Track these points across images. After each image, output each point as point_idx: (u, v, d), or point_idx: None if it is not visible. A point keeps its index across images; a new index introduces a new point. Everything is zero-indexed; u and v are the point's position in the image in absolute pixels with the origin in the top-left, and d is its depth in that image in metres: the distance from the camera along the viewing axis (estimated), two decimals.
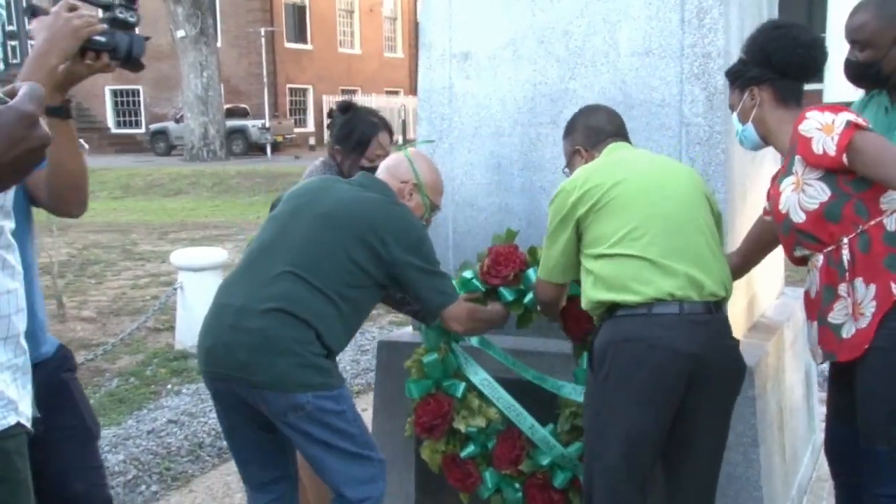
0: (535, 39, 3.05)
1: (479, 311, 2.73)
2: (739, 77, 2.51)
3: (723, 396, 2.42)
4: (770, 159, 3.32)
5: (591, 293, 2.41)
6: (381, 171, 2.75)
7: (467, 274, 2.86)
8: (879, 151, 2.28)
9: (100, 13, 2.04)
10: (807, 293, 2.50)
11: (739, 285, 2.75)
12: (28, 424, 1.54)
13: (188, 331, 6.26)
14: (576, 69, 3.00)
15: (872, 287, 2.31)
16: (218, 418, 2.70)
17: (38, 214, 2.29)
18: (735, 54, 2.80)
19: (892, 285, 2.30)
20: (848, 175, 2.31)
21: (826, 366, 2.60)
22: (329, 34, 35.37)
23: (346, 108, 3.26)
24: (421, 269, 2.53)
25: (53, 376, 2.30)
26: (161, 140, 30.05)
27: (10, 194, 1.55)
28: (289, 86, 33.57)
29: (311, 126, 34.08)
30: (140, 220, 14.67)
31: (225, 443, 4.43)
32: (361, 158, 3.14)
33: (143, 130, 32.37)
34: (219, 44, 27.83)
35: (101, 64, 1.99)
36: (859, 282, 2.32)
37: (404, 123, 28.92)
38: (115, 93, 32.76)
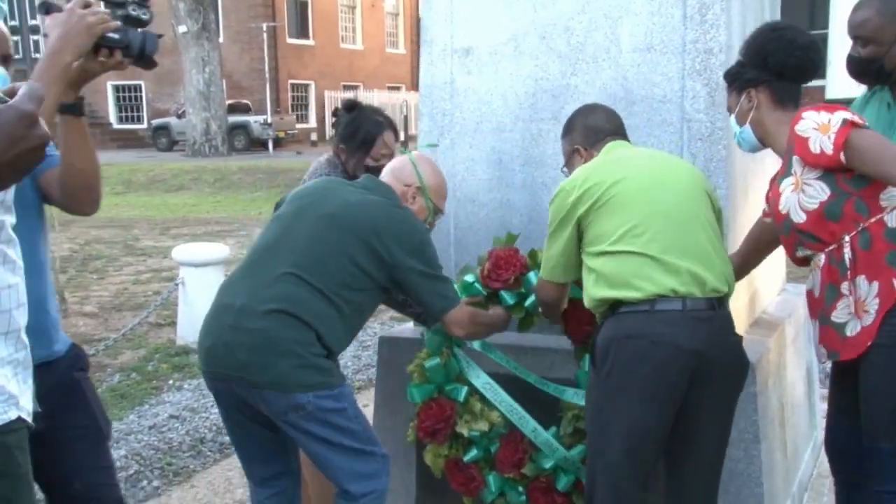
0: (537, 35, 3.04)
1: (480, 315, 2.73)
2: (737, 79, 2.51)
3: (726, 393, 2.42)
4: (771, 156, 3.30)
5: (594, 291, 2.41)
6: (385, 174, 2.74)
7: (469, 278, 2.86)
8: (876, 148, 2.28)
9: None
10: (810, 292, 2.50)
11: (741, 282, 2.74)
12: (29, 419, 1.54)
13: (190, 326, 6.26)
14: (577, 65, 3.00)
15: (875, 284, 2.31)
16: (220, 415, 2.71)
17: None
18: (737, 50, 2.79)
19: (895, 282, 2.29)
20: (846, 173, 2.31)
21: (828, 363, 2.60)
22: (331, 30, 35.35)
23: (352, 107, 3.25)
24: (423, 273, 2.53)
25: (66, 375, 2.31)
26: (163, 135, 30.06)
27: (11, 190, 1.55)
28: (291, 81, 33.56)
29: (312, 122, 34.07)
30: (142, 216, 14.68)
31: (226, 438, 4.45)
32: (366, 157, 3.14)
33: (144, 126, 32.38)
34: (221, 39, 27.81)
35: (114, 61, 1.99)
36: (862, 279, 2.32)
37: (406, 119, 28.89)
38: (116, 88, 32.76)
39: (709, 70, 2.83)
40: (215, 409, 2.74)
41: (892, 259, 2.30)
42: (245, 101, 30.53)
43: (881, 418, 2.35)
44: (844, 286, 2.35)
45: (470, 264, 2.99)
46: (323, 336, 2.43)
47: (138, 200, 17.14)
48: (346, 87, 34.86)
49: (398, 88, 36.34)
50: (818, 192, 2.34)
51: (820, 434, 3.66)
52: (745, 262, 2.71)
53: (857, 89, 3.06)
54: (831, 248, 2.36)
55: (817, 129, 2.32)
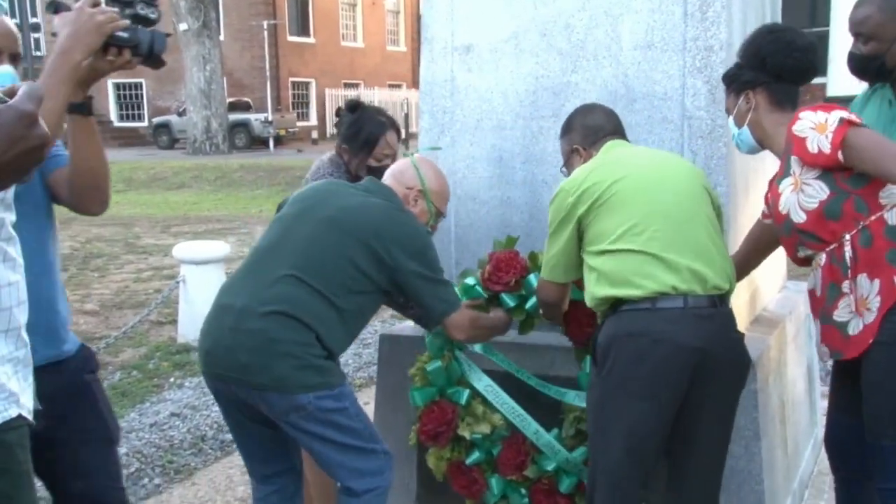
0: (538, 32, 3.04)
1: (481, 318, 2.73)
2: (735, 81, 2.52)
3: (728, 390, 2.42)
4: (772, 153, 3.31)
5: (595, 290, 2.41)
6: (387, 177, 2.74)
7: (469, 281, 2.86)
8: (874, 146, 2.28)
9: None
10: (811, 292, 2.50)
11: (741, 279, 2.74)
12: (30, 417, 1.54)
13: (191, 324, 6.27)
14: (578, 62, 3.00)
15: (877, 282, 2.31)
16: (221, 414, 2.71)
17: None
18: (737, 47, 2.79)
19: None
20: (845, 172, 2.32)
21: (830, 361, 2.60)
22: (332, 27, 35.32)
23: (354, 107, 3.25)
24: (424, 276, 2.53)
25: (76, 377, 2.31)
26: (164, 133, 30.05)
27: (11, 188, 1.55)
28: (291, 79, 33.54)
29: (313, 120, 34.06)
30: (143, 214, 14.68)
31: (227, 436, 4.46)
32: (369, 158, 3.15)
33: (145, 124, 32.37)
34: (221, 37, 27.80)
35: (123, 60, 1.99)
36: (863, 277, 2.32)
37: (407, 117, 28.86)
38: (117, 86, 32.76)
39: (709, 67, 2.83)
40: (216, 407, 2.75)
41: (893, 257, 2.30)
42: (246, 98, 30.52)
43: (883, 415, 2.35)
44: (846, 285, 2.35)
45: (470, 268, 2.99)
46: (323, 337, 2.43)
47: (139, 198, 17.14)
48: (347, 85, 34.85)
49: (399, 86, 36.32)
50: (817, 192, 2.34)
51: (820, 431, 3.66)
52: (745, 262, 2.71)
53: (858, 86, 3.06)
54: (832, 247, 2.36)
55: (814, 128, 2.32)
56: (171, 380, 5.65)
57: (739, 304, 2.89)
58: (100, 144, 2.16)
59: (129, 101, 33.34)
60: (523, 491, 2.85)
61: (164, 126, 30.13)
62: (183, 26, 24.36)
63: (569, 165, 2.68)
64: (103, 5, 1.93)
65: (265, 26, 31.00)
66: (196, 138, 25.75)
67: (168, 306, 7.00)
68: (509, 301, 2.80)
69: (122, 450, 4.34)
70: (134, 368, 5.89)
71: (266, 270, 2.49)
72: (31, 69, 15.78)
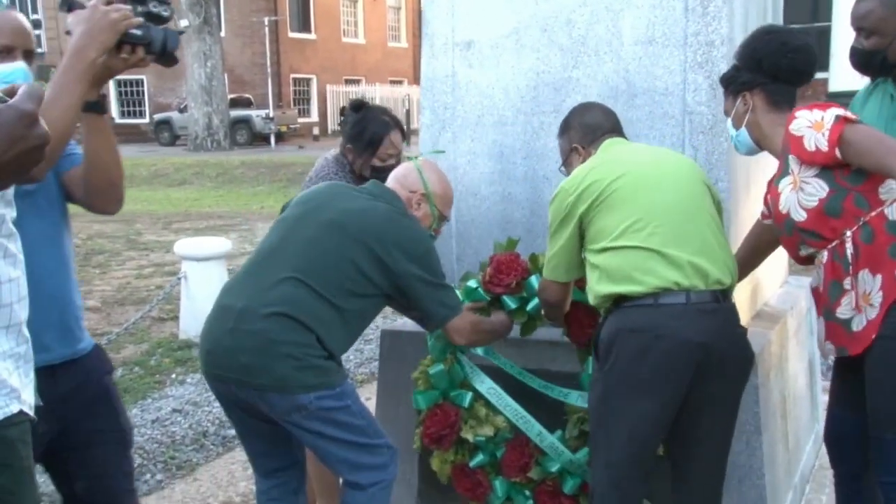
0: (538, 28, 3.04)
1: (482, 323, 2.73)
2: (732, 83, 2.52)
3: (731, 385, 2.43)
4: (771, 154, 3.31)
5: (597, 287, 2.41)
6: (391, 180, 2.74)
7: (472, 283, 2.86)
8: (871, 142, 2.28)
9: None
10: (815, 290, 2.50)
11: (741, 280, 2.74)
12: (31, 412, 1.55)
13: (192, 320, 6.28)
14: (579, 58, 2.99)
15: (879, 277, 2.31)
16: (224, 412, 2.72)
17: None
18: (739, 42, 2.79)
19: None
20: (844, 169, 2.32)
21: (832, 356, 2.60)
22: (333, 23, 35.30)
23: (359, 107, 3.26)
24: (425, 280, 2.53)
25: (94, 378, 2.31)
26: (165, 130, 30.06)
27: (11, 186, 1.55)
28: (293, 75, 33.53)
29: (314, 116, 34.06)
30: (144, 210, 14.69)
31: (229, 432, 4.47)
32: (373, 158, 3.15)
33: (147, 120, 32.39)
34: (222, 33, 27.80)
35: (136, 58, 1.99)
36: (865, 273, 2.32)
37: (408, 113, 28.85)
38: (118, 83, 32.75)
39: (710, 63, 2.83)
40: (217, 403, 2.77)
41: (895, 251, 2.30)
42: (247, 95, 30.52)
43: (886, 409, 2.35)
44: (847, 281, 2.35)
45: (471, 271, 2.99)
46: (323, 339, 2.43)
47: (141, 195, 17.14)
48: (348, 82, 34.84)
49: (400, 82, 36.32)
50: (817, 190, 2.34)
51: (821, 426, 3.67)
52: (745, 263, 2.70)
53: (860, 81, 3.06)
54: (834, 244, 2.36)
55: (811, 126, 2.33)
56: (173, 376, 5.66)
57: (741, 299, 2.89)
58: (114, 143, 2.16)
59: (131, 97, 33.35)
60: (527, 493, 2.85)
61: (166, 123, 30.15)
62: (184, 23, 24.32)
63: (568, 164, 2.68)
64: (117, 3, 1.93)
65: (266, 22, 30.97)
66: (197, 135, 25.76)
67: (169, 302, 7.00)
68: (510, 303, 2.80)
69: None
70: (136, 365, 5.90)
71: (267, 272, 2.49)
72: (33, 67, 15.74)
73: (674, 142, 2.87)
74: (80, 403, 2.23)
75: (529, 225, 3.09)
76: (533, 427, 2.82)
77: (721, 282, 2.36)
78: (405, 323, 3.37)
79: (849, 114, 2.33)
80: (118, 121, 33.01)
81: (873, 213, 2.31)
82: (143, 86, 33.00)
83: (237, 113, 28.04)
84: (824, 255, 2.39)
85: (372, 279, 2.49)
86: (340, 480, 2.67)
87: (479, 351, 2.94)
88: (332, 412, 2.44)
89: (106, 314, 7.39)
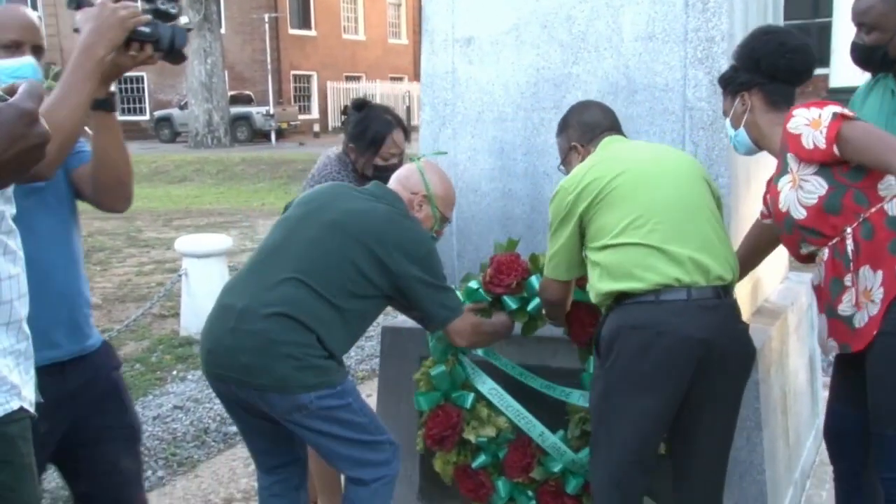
0: (538, 24, 3.03)
1: (483, 324, 2.73)
2: (731, 83, 2.53)
3: (733, 381, 2.43)
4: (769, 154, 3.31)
5: (598, 285, 2.41)
6: (393, 182, 2.74)
7: (473, 284, 2.86)
8: (869, 138, 2.29)
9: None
10: (816, 287, 2.51)
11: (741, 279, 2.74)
12: (31, 409, 1.55)
13: (193, 317, 6.28)
14: (579, 54, 2.99)
15: (880, 273, 2.31)
16: (225, 410, 2.72)
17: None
18: (739, 38, 2.78)
19: None
20: (843, 167, 2.32)
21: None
22: (333, 20, 35.27)
23: (361, 106, 3.26)
24: (426, 282, 2.54)
25: (102, 373, 2.30)
26: (165, 127, 30.06)
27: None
28: (293, 72, 33.51)
29: (315, 113, 34.05)
30: (145, 207, 14.68)
31: (230, 428, 4.48)
32: (375, 157, 3.16)
33: (147, 117, 32.38)
34: (223, 30, 27.78)
35: (145, 55, 1.99)
36: (866, 269, 2.32)
37: (409, 110, 28.86)
38: (119, 80, 32.46)
39: (711, 58, 2.82)
40: (219, 400, 2.78)
41: (895, 247, 2.30)
42: (247, 92, 30.51)
43: (887, 405, 2.35)
44: (847, 278, 2.35)
45: (471, 272, 2.99)
46: (324, 339, 2.44)
47: (141, 192, 17.09)
48: (349, 78, 34.83)
49: (401, 79, 36.30)
50: (816, 188, 2.35)
51: (822, 422, 3.67)
52: (745, 262, 2.70)
53: (860, 77, 3.06)
54: (834, 241, 2.36)
55: (808, 124, 2.33)
56: (174, 373, 5.66)
57: (741, 295, 2.89)
58: (122, 141, 2.16)
59: (131, 94, 33.32)
60: (530, 493, 2.85)
61: (166, 119, 30.14)
62: (184, 19, 24.27)
63: (567, 163, 2.68)
64: (125, 0, 1.92)
65: (266, 19, 30.95)
66: (198, 132, 25.77)
67: (170, 299, 7.01)
68: (511, 303, 2.80)
69: None
70: (137, 362, 5.90)
71: (269, 272, 2.49)
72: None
73: (674, 138, 2.87)
74: (89, 400, 2.24)
75: (530, 221, 3.09)
76: (535, 427, 2.82)
77: (722, 278, 2.36)
78: (406, 320, 3.36)
79: (846, 111, 2.34)
80: (118, 117, 32.92)
81: (873, 210, 2.31)
82: (143, 83, 32.98)
83: (237, 110, 28.04)
84: (825, 253, 2.39)
85: (372, 280, 2.50)
86: (342, 477, 2.68)
87: (480, 352, 2.94)
88: (333, 410, 2.44)
89: (107, 311, 7.39)
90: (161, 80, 32.22)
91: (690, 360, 2.30)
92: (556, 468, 2.80)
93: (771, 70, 2.44)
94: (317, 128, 31.96)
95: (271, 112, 28.67)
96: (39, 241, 2.08)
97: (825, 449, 2.80)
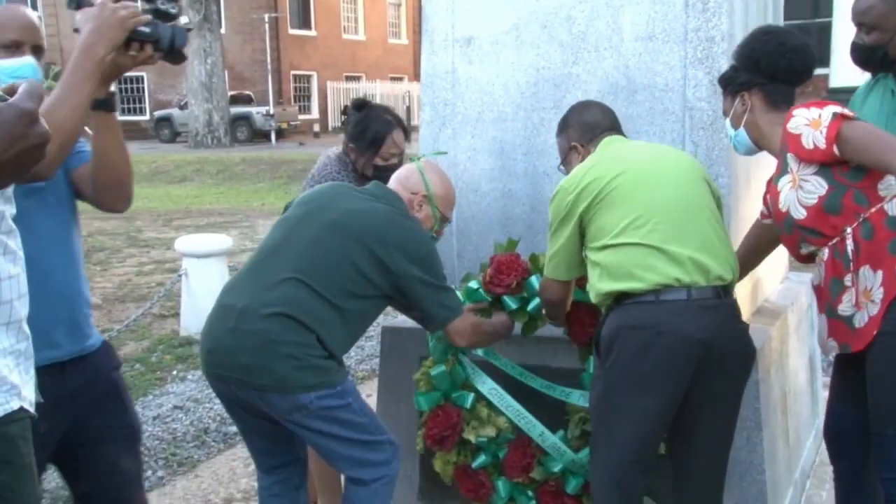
0: (538, 24, 3.03)
1: (483, 324, 2.73)
2: (731, 83, 2.53)
3: (733, 381, 2.43)
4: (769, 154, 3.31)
5: (598, 285, 2.41)
6: (393, 182, 2.75)
7: (473, 284, 2.87)
8: (869, 138, 2.29)
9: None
10: (816, 287, 2.51)
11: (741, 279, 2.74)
12: (31, 409, 1.55)
13: (193, 317, 6.28)
14: (579, 54, 2.99)
15: (880, 273, 2.31)
16: (225, 410, 2.72)
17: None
18: (739, 38, 2.78)
19: None
20: (843, 166, 2.33)
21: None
22: (333, 20, 35.27)
23: (361, 106, 3.26)
24: (426, 282, 2.54)
25: (103, 373, 2.30)
26: (165, 127, 30.06)
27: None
28: (293, 72, 33.51)
29: (315, 113, 34.04)
30: (145, 207, 14.68)
31: (230, 428, 4.48)
32: (375, 157, 3.16)
33: (147, 117, 32.38)
34: (223, 30, 27.78)
35: (145, 55, 1.99)
36: (866, 269, 2.32)
37: (409, 110, 28.85)
38: (118, 80, 32.57)
39: (711, 58, 2.82)
40: (219, 400, 2.78)
41: (895, 247, 2.30)
42: (247, 92, 30.51)
43: (887, 405, 2.35)
44: (847, 278, 2.35)
45: (472, 272, 2.99)
46: (324, 339, 2.44)
47: (141, 192, 17.08)
48: (349, 78, 34.83)
49: (401, 79, 36.30)
50: (816, 188, 2.35)
51: (822, 422, 3.67)
52: (745, 262, 2.70)
53: (861, 77, 3.06)
54: (834, 241, 2.36)
55: (808, 124, 2.34)
56: (174, 373, 5.67)
57: (741, 295, 2.89)
58: (122, 141, 2.16)
59: (131, 94, 33.31)
60: (530, 493, 2.85)
61: (166, 119, 30.14)
62: (184, 19, 24.26)
63: (566, 163, 2.68)
64: (125, 0, 1.92)
65: (266, 19, 30.95)
66: (198, 132, 25.76)
67: (170, 299, 7.01)
68: (511, 303, 2.81)
69: None
70: (137, 361, 5.90)
71: (269, 272, 2.50)
72: None
73: (674, 138, 2.87)
74: (89, 400, 2.23)
75: (530, 221, 3.09)
76: (535, 427, 2.82)
77: (722, 277, 2.36)
78: (406, 320, 3.36)
79: (846, 111, 2.34)
80: (118, 117, 32.94)
81: (873, 210, 2.31)
82: (143, 83, 32.98)
83: (237, 110, 28.04)
84: (825, 253, 2.40)
85: (372, 280, 2.50)
86: (342, 477, 2.68)
87: (480, 351, 2.93)
88: (333, 411, 2.44)
89: (107, 311, 7.39)
90: (161, 80, 32.22)
91: (690, 360, 2.30)
92: (556, 468, 2.80)
93: (771, 70, 2.44)
94: (317, 128, 31.96)
95: (271, 112, 28.66)
96: (40, 241, 2.08)
97: (825, 449, 2.80)
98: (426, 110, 3.25)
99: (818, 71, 2.72)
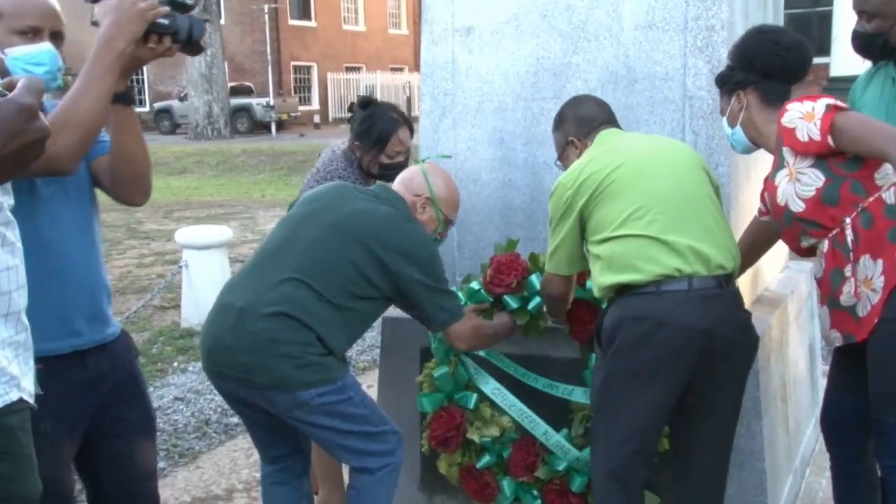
0: (538, 14, 3.02)
1: (483, 327, 2.73)
2: (726, 82, 2.55)
3: (736, 369, 2.43)
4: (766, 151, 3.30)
5: (600, 279, 2.42)
6: (396, 184, 2.75)
7: (474, 285, 2.87)
8: (863, 127, 2.30)
9: None
10: (818, 280, 2.51)
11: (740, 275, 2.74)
12: (31, 400, 1.54)
13: (194, 308, 6.29)
14: (579, 43, 2.98)
15: (880, 262, 2.31)
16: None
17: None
18: (739, 26, 2.78)
19: None
20: (838, 158, 2.33)
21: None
22: (333, 11, 35.18)
23: (367, 104, 3.26)
24: (426, 285, 2.54)
25: (124, 363, 2.29)
26: (165, 118, 30.01)
27: None
28: (293, 63, 33.45)
29: (315, 104, 33.99)
30: None
31: (231, 420, 4.49)
32: (381, 155, 3.16)
33: (147, 109, 32.31)
34: (222, 21, 27.69)
35: (163, 47, 1.98)
36: (866, 258, 2.32)
37: (409, 100, 28.78)
38: None
39: (711, 47, 2.81)
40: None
41: (894, 235, 2.30)
42: (247, 83, 30.44)
43: (889, 392, 2.35)
44: (847, 269, 2.35)
45: (472, 265, 2.99)
46: (323, 337, 2.44)
47: None
48: (349, 69, 34.75)
49: (401, 70, 36.21)
50: (813, 180, 2.36)
51: None
52: (743, 259, 2.70)
53: (861, 66, 3.04)
54: (834, 232, 2.37)
55: (802, 118, 2.35)
56: (175, 364, 5.68)
57: (741, 284, 2.89)
58: (141, 134, 2.14)
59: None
60: (535, 492, 2.86)
61: (166, 111, 30.08)
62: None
63: (564, 158, 2.68)
64: None
65: (266, 10, 30.87)
66: (198, 123, 25.71)
67: (171, 291, 7.01)
68: (512, 303, 2.81)
69: None
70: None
71: (270, 272, 2.50)
72: None
73: (674, 127, 2.87)
74: (110, 388, 2.22)
75: (530, 211, 3.09)
76: (539, 426, 2.82)
77: (723, 266, 2.36)
78: None
79: (839, 102, 2.35)
80: None
81: (871, 199, 2.32)
82: (142, 74, 32.88)
83: (237, 101, 27.97)
84: (825, 245, 2.40)
85: (373, 282, 2.50)
86: (344, 467, 2.68)
87: (482, 352, 2.93)
88: (334, 405, 2.45)
89: None
90: (161, 72, 32.15)
91: (692, 350, 2.30)
92: (561, 466, 2.81)
93: (765, 68, 2.46)
94: (317, 119, 31.91)
95: (271, 103, 28.61)
96: (60, 229, 2.08)
97: None
98: (426, 100, 3.24)
99: (819, 60, 2.72)
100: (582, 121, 2.62)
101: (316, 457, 3.09)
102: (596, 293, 2.49)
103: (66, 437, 2.13)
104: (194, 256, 6.53)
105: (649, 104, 2.90)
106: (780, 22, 3.70)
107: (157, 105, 30.82)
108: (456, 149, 3.18)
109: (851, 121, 2.31)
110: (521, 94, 3.08)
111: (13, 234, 1.52)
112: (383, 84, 32.34)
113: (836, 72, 12.77)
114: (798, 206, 2.39)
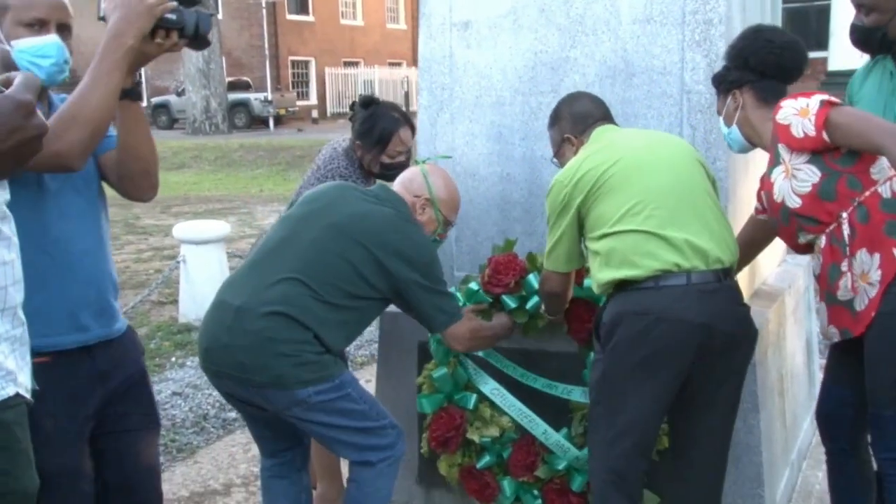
0: (536, 8, 3.02)
1: (482, 329, 2.73)
2: (722, 82, 2.56)
3: (735, 363, 2.44)
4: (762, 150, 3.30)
5: (599, 275, 2.42)
6: (397, 185, 2.74)
7: (473, 286, 2.87)
8: (857, 121, 2.31)
9: None
10: (817, 276, 2.51)
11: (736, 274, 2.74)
12: (27, 395, 1.54)
13: (192, 303, 6.28)
14: (577, 37, 2.98)
15: (877, 256, 2.31)
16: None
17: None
18: (737, 21, 2.78)
19: (895, 251, 2.30)
20: (834, 153, 2.34)
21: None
22: (331, 5, 35.11)
23: (368, 103, 3.26)
24: (424, 287, 2.54)
25: (131, 359, 2.29)
26: (163, 114, 29.98)
27: None
28: (291, 58, 33.39)
29: (313, 99, 33.94)
30: None
31: (229, 414, 4.49)
32: (382, 154, 3.15)
33: (144, 104, 32.21)
34: (220, 16, 27.64)
35: (170, 42, 1.98)
36: (863, 252, 2.33)
37: (407, 95, 28.77)
38: None
39: (709, 41, 2.81)
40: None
41: (891, 229, 2.30)
42: (245, 78, 30.41)
43: (885, 386, 2.36)
44: (844, 264, 2.36)
45: (470, 263, 2.99)
46: (320, 336, 2.44)
47: None
48: (347, 64, 34.70)
49: (399, 64, 36.17)
50: (809, 176, 2.36)
51: None
52: (740, 257, 2.71)
53: (859, 60, 3.04)
54: (831, 227, 2.37)
55: (797, 114, 2.36)
56: (173, 359, 5.67)
57: (739, 278, 2.89)
58: (148, 130, 2.14)
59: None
60: (535, 492, 2.86)
61: (163, 106, 30.05)
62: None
63: (560, 155, 2.67)
64: None
65: (263, 4, 30.81)
66: (195, 118, 25.67)
67: (169, 286, 7.01)
68: (510, 302, 2.81)
69: None
70: None
71: (268, 271, 2.50)
72: None
73: (672, 121, 2.87)
74: (117, 384, 2.21)
75: (528, 205, 3.09)
76: (538, 426, 2.83)
77: (721, 260, 2.37)
78: None
79: (833, 98, 2.36)
80: None
81: (867, 194, 2.32)
82: (140, 69, 32.84)
83: (235, 96, 27.93)
84: (822, 241, 2.41)
85: (372, 283, 2.50)
86: (342, 462, 2.69)
87: (481, 352, 2.93)
88: (333, 402, 2.45)
89: None
90: (158, 67, 32.05)
91: (690, 345, 2.30)
92: (561, 466, 2.81)
93: (760, 67, 2.47)
94: (315, 114, 31.87)
95: (269, 98, 28.57)
96: (68, 222, 2.07)
97: None
98: (424, 95, 3.24)
99: (817, 54, 2.72)
100: (577, 117, 2.62)
101: (314, 451, 3.10)
102: (595, 289, 2.49)
103: (75, 426, 2.12)
104: (192, 251, 6.53)
105: (647, 98, 2.90)
106: (778, 15, 3.70)
107: (155, 100, 30.77)
108: (454, 143, 3.18)
109: (846, 116, 2.32)
110: (519, 88, 3.08)
111: (9, 229, 1.52)
112: (381, 79, 32.31)
113: (834, 66, 12.76)
114: (795, 202, 2.40)
